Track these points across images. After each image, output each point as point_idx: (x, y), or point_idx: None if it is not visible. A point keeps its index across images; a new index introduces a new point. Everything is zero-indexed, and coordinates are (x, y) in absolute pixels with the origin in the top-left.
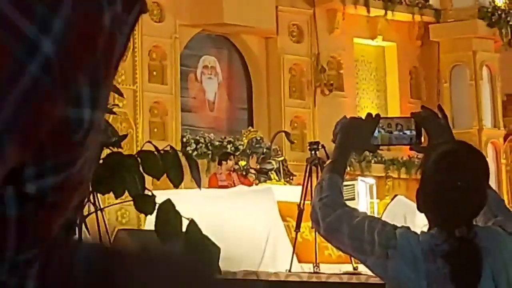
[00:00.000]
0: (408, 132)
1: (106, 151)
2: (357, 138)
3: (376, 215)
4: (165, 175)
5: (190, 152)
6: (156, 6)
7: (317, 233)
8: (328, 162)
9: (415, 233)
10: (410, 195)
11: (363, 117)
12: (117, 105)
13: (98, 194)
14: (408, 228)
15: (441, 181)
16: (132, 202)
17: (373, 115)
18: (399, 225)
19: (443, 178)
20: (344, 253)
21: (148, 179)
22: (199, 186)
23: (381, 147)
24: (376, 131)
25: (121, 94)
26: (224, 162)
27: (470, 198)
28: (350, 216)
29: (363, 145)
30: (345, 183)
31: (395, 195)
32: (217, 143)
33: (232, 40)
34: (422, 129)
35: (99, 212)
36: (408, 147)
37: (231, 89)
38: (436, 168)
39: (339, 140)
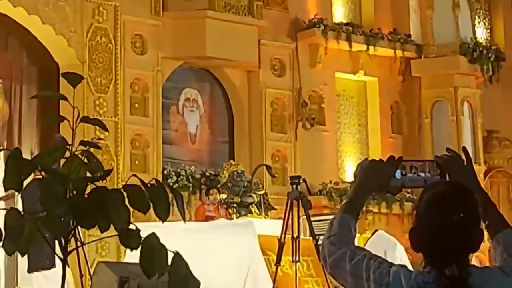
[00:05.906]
0: (422, 174)
1: (90, 186)
2: (375, 181)
3: None
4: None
5: (171, 184)
6: (139, 39)
7: (297, 267)
8: (343, 202)
9: (410, 271)
10: (391, 230)
11: (384, 160)
12: (102, 139)
13: (80, 228)
14: (404, 266)
15: (430, 220)
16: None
17: (395, 158)
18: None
19: (432, 218)
20: None
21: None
22: (183, 219)
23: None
24: (398, 173)
25: (105, 128)
26: (211, 192)
27: (458, 237)
28: (352, 254)
29: (382, 187)
30: (325, 217)
31: (376, 230)
32: (198, 175)
33: (214, 73)
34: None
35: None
36: None
37: (212, 122)
38: (426, 208)
39: (357, 181)
